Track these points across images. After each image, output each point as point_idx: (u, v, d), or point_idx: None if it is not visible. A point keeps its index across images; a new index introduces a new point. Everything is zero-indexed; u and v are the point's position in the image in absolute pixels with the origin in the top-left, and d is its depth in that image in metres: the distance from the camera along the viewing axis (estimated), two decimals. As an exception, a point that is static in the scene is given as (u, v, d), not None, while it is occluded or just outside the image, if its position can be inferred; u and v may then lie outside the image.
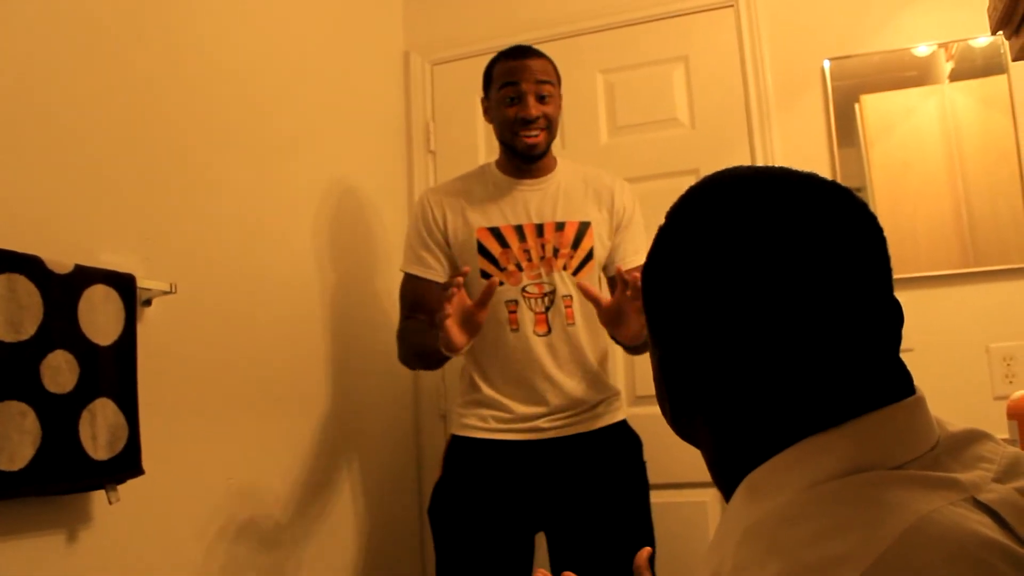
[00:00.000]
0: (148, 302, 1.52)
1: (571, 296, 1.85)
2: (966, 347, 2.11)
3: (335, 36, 2.33)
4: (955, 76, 2.21)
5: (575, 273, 1.86)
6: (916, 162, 2.20)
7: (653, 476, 1.90)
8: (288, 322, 1.96)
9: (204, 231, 1.71)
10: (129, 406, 1.38)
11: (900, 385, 0.61)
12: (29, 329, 1.22)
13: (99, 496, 1.36)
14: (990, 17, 1.37)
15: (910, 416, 0.59)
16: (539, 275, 1.85)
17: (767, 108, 2.35)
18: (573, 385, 1.84)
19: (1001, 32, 1.36)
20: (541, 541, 1.90)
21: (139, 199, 1.55)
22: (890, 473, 0.55)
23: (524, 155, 1.88)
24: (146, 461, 1.40)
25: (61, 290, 1.28)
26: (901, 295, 2.26)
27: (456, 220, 1.91)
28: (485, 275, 1.84)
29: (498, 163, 1.97)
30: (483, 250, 1.88)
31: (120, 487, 1.36)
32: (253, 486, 1.78)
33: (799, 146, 2.31)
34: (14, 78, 1.32)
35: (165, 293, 1.52)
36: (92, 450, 1.29)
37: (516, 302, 1.85)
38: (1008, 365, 2.09)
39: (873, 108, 2.27)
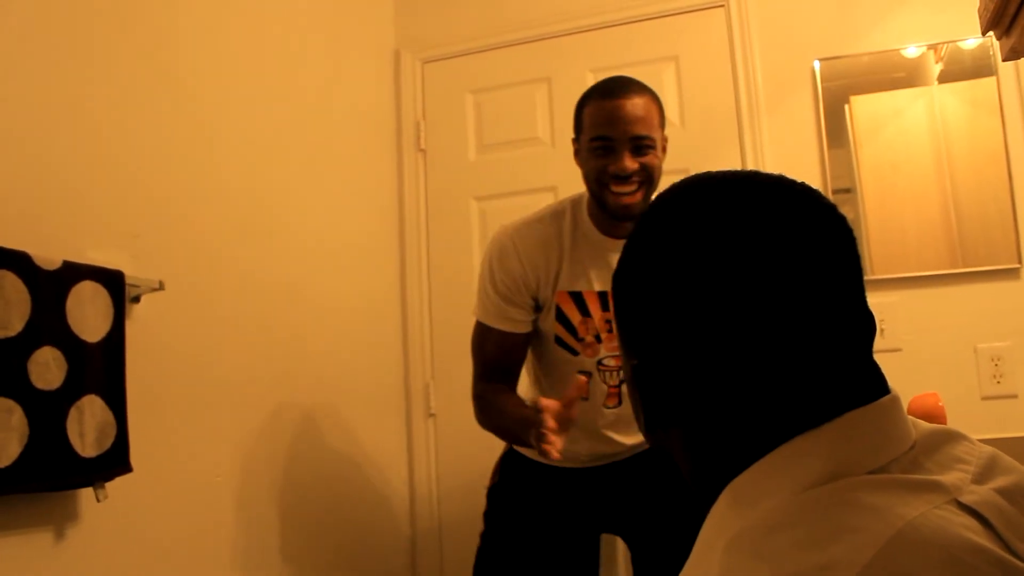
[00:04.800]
0: (137, 299, 1.51)
1: None
2: (954, 347, 2.12)
3: (326, 33, 2.33)
4: (944, 78, 2.22)
5: None
6: (905, 163, 2.21)
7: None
8: (276, 319, 1.95)
9: (193, 228, 1.70)
10: (117, 403, 1.37)
11: (875, 385, 0.61)
12: (17, 325, 1.21)
13: (87, 493, 1.35)
14: (980, 17, 1.37)
15: (887, 415, 0.59)
16: (617, 347, 1.69)
17: (757, 108, 2.35)
18: (636, 441, 1.74)
19: (991, 33, 1.37)
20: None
21: (128, 196, 1.54)
22: (873, 478, 0.55)
23: (615, 215, 1.59)
24: (134, 458, 1.39)
25: (49, 286, 1.27)
26: (890, 295, 2.27)
27: (539, 278, 1.65)
28: (560, 341, 1.67)
29: (589, 209, 1.67)
30: (561, 316, 1.66)
31: (108, 484, 1.35)
32: (241, 483, 1.77)
33: (789, 146, 2.32)
34: (1, 76, 1.31)
35: (154, 290, 1.51)
36: (80, 447, 1.28)
37: (590, 374, 1.67)
38: (996, 365, 2.10)
39: (862, 109, 2.28)
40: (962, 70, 2.21)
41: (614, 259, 1.67)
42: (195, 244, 1.70)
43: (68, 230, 1.40)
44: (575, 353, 1.68)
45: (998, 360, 2.10)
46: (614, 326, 1.71)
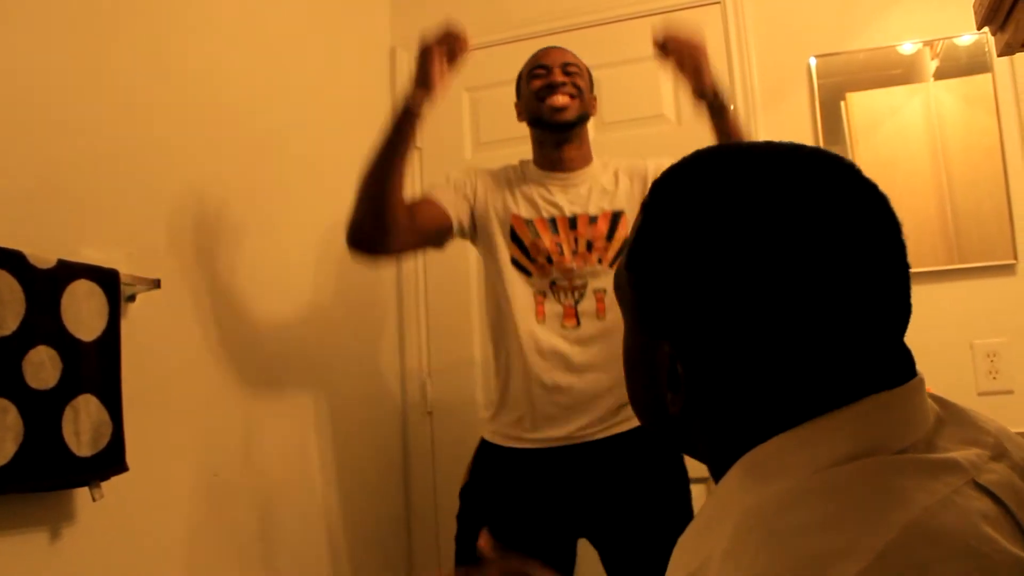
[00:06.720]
0: (132, 297, 1.50)
1: (604, 290, 1.80)
2: (950, 343, 2.12)
3: (322, 31, 2.32)
4: (940, 74, 2.22)
5: (612, 264, 1.81)
6: (901, 160, 2.21)
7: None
8: (273, 318, 1.95)
9: (189, 226, 1.69)
10: (113, 402, 1.36)
11: (904, 368, 0.60)
12: (11, 324, 1.20)
13: (82, 493, 1.35)
14: (976, 13, 1.37)
15: (912, 398, 0.59)
16: (570, 269, 1.80)
17: (753, 105, 2.35)
18: (600, 380, 1.76)
19: (987, 28, 1.37)
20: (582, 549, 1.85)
21: (123, 193, 1.53)
22: (891, 459, 0.54)
23: (553, 124, 1.83)
24: (130, 457, 1.38)
25: (44, 285, 1.26)
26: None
27: (495, 199, 1.87)
28: (516, 263, 1.82)
29: (534, 159, 1.93)
30: (515, 236, 1.84)
31: (104, 484, 1.34)
32: (238, 482, 1.77)
33: (785, 143, 2.31)
34: (-4, 70, 1.31)
35: (150, 288, 1.50)
36: (75, 447, 1.28)
37: (544, 294, 1.81)
38: (992, 361, 2.10)
39: (859, 106, 2.28)
40: (958, 66, 2.22)
41: (555, 191, 1.85)
42: (191, 242, 1.69)
43: (62, 228, 1.40)
44: (529, 274, 1.82)
45: (994, 356, 2.10)
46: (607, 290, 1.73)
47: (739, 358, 0.59)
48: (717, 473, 0.64)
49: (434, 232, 1.84)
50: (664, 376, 0.64)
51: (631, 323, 0.69)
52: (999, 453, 0.57)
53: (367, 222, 1.70)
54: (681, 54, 1.71)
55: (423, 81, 1.69)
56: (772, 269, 0.56)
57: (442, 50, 1.70)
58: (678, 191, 0.63)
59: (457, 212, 1.85)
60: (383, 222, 1.68)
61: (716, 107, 1.72)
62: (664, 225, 0.63)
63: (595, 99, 1.95)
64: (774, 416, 0.58)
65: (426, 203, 1.83)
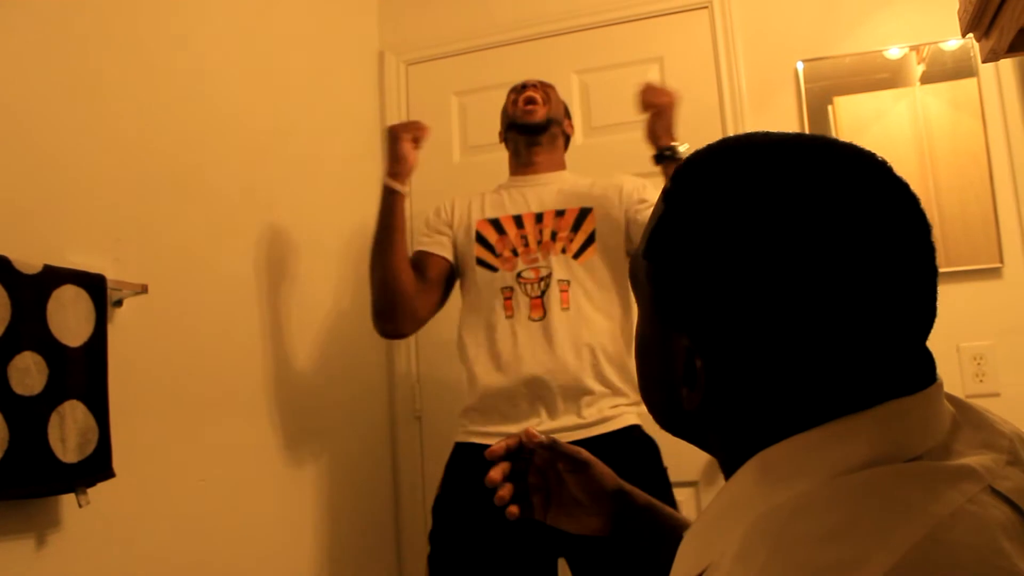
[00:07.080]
0: (119, 303, 1.50)
1: (568, 281, 1.82)
2: (936, 346, 2.09)
3: (310, 36, 2.32)
4: (926, 79, 2.24)
5: (576, 256, 1.84)
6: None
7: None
8: (261, 322, 1.94)
9: (176, 231, 1.69)
10: (99, 408, 1.36)
11: (925, 372, 0.59)
12: (-4, 330, 1.20)
13: (68, 499, 1.34)
14: (960, 20, 1.38)
15: (932, 403, 0.58)
16: (535, 259, 1.85)
17: (741, 109, 2.36)
18: (569, 369, 1.76)
19: (971, 34, 1.38)
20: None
21: (110, 198, 1.52)
22: (908, 467, 0.53)
23: (523, 124, 1.96)
24: (117, 463, 1.38)
25: (29, 291, 1.25)
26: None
27: (462, 212, 1.98)
28: (481, 262, 1.89)
29: (509, 170, 2.05)
30: (481, 239, 1.92)
31: (90, 490, 1.33)
32: (224, 488, 1.76)
33: (773, 147, 2.32)
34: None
35: (136, 293, 1.50)
36: (61, 453, 1.27)
37: (511, 288, 1.84)
38: (978, 364, 2.11)
39: (846, 110, 2.29)
40: (944, 71, 2.23)
41: (525, 191, 1.93)
42: (178, 247, 1.69)
43: (49, 233, 1.39)
44: (494, 269, 1.88)
45: (980, 359, 2.11)
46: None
47: (760, 355, 0.57)
48: (729, 468, 0.63)
49: (445, 280, 1.96)
50: (680, 370, 0.62)
51: (646, 314, 0.67)
52: (1014, 458, 0.56)
53: (387, 307, 1.88)
54: (658, 109, 1.84)
55: (395, 157, 1.89)
56: (799, 265, 0.55)
57: (407, 132, 1.90)
58: (703, 180, 0.61)
59: (449, 248, 1.97)
60: (400, 301, 1.86)
61: (673, 164, 1.80)
62: (687, 215, 0.61)
63: (571, 124, 2.11)
64: (792, 415, 0.57)
65: (423, 258, 1.96)
